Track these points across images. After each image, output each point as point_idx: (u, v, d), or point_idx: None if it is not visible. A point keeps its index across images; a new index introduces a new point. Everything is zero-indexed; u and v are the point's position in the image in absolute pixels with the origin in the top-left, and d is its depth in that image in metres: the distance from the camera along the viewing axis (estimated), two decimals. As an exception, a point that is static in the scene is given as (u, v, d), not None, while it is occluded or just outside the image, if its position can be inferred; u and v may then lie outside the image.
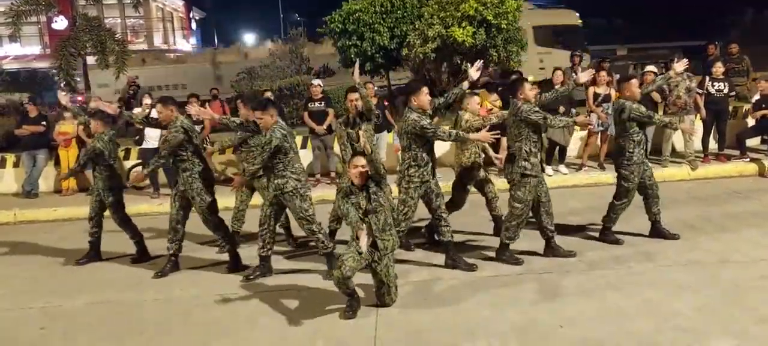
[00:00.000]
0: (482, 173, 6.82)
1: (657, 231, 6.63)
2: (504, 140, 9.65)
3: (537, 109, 5.86)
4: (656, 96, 9.67)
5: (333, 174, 10.12)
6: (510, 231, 6.09)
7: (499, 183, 7.26)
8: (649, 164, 6.65)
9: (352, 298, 5.09)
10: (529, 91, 5.93)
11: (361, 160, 5.03)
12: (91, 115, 7.10)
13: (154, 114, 9.91)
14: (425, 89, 5.84)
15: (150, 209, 9.37)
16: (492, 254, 6.32)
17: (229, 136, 7.19)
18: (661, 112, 9.99)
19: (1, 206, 9.97)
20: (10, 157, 11.18)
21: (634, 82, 6.48)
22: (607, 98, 9.93)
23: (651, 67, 10.26)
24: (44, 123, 10.71)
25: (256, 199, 7.20)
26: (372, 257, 5.01)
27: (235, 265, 6.41)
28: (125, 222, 6.95)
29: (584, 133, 10.41)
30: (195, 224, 6.74)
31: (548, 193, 6.11)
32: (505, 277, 5.80)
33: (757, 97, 10.33)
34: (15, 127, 11.14)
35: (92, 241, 7.01)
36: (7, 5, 17.25)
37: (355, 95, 6.52)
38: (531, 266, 6.01)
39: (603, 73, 10.16)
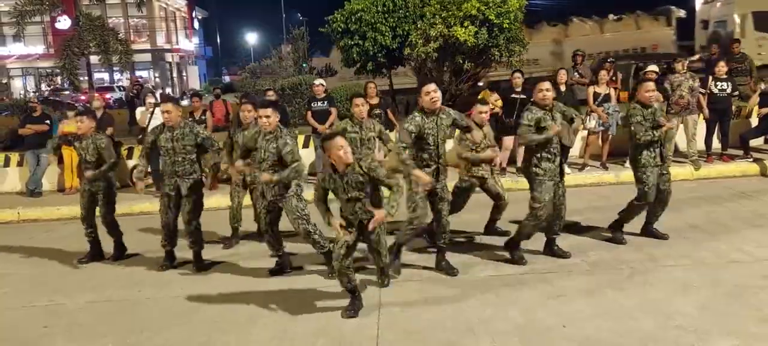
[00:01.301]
0: (489, 177, 6.73)
1: (648, 231, 6.63)
2: (506, 140, 9.70)
3: (527, 120, 5.80)
4: (660, 97, 9.65)
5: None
6: (526, 229, 5.99)
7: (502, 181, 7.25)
8: (668, 169, 6.50)
9: (354, 296, 5.08)
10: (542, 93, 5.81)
11: (340, 141, 4.77)
12: (80, 114, 6.92)
13: (157, 114, 9.98)
14: (426, 88, 5.63)
15: (152, 207, 9.37)
16: (495, 253, 6.33)
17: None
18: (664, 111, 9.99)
19: (5, 205, 10.00)
20: (14, 156, 11.21)
21: (647, 85, 6.34)
22: (606, 98, 9.94)
23: (653, 67, 10.25)
24: (48, 122, 10.74)
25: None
26: (358, 236, 4.97)
27: (201, 264, 6.50)
28: (113, 226, 6.95)
29: (585, 133, 10.42)
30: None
31: (564, 196, 6.06)
32: (507, 276, 5.80)
33: (762, 86, 10.30)
34: (19, 126, 11.17)
35: (91, 240, 6.99)
36: (11, 5, 17.33)
37: (360, 100, 6.53)
38: (533, 266, 6.01)
39: (603, 73, 10.17)
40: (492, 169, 6.79)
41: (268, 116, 5.68)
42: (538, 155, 5.82)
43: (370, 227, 4.82)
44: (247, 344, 4.77)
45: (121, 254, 7.07)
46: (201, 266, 6.49)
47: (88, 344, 4.96)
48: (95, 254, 7.02)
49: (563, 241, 6.35)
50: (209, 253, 6.83)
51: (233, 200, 7.25)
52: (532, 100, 6.00)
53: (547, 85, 5.86)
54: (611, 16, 22.67)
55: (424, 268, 6.11)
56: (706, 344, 4.32)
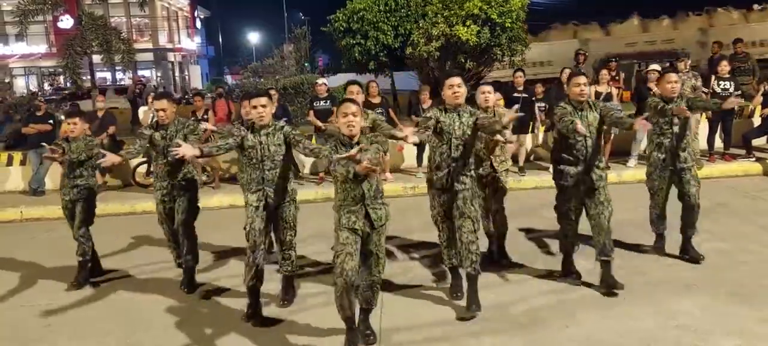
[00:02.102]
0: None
1: (683, 249, 6.02)
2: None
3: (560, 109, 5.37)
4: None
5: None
6: (561, 246, 5.66)
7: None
8: (687, 174, 5.84)
9: (352, 330, 4.37)
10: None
11: (351, 108, 4.28)
12: (68, 115, 6.37)
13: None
14: (449, 81, 5.06)
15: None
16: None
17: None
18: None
19: (8, 204, 10.03)
20: (17, 155, 11.24)
21: (670, 76, 5.89)
22: (608, 97, 9.92)
23: (655, 66, 10.25)
24: (51, 122, 10.76)
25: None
26: (364, 229, 4.32)
27: (192, 284, 5.93)
28: (87, 238, 6.23)
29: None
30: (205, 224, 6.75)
31: (601, 211, 5.37)
32: (509, 276, 5.80)
33: (766, 86, 10.31)
34: (22, 124, 11.20)
35: (90, 258, 6.29)
36: (14, 4, 17.34)
37: (356, 87, 6.38)
38: (536, 266, 6.01)
39: (604, 72, 10.18)
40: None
41: (263, 106, 4.94)
42: (560, 155, 5.45)
43: (362, 165, 3.97)
44: (249, 343, 4.78)
45: (85, 278, 6.22)
46: (192, 285, 5.89)
47: (90, 342, 4.97)
48: (99, 270, 6.50)
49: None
50: (214, 252, 6.86)
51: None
52: (567, 95, 5.52)
53: (582, 79, 5.37)
54: (756, 7, 22.89)
55: (425, 268, 6.12)
56: (708, 344, 4.32)
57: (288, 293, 5.47)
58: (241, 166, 5.36)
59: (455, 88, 4.98)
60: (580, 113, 5.30)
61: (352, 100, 4.41)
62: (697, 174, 5.96)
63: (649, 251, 6.22)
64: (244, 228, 5.03)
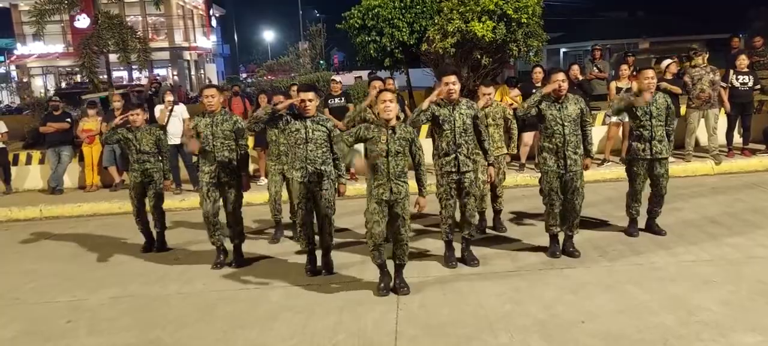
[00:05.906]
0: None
1: (647, 226, 6.72)
2: (526, 136, 9.67)
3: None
4: (677, 89, 9.56)
5: (352, 170, 10.14)
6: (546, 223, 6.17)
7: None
8: (664, 165, 6.47)
9: (383, 273, 5.42)
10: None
11: (388, 95, 5.09)
12: (132, 106, 7.28)
13: (175, 111, 10.05)
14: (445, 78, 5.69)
15: (172, 204, 9.46)
16: (513, 248, 6.32)
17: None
18: (684, 108, 9.90)
19: (28, 202, 10.15)
20: (36, 154, 11.38)
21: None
22: (629, 90, 9.84)
23: (670, 61, 10.14)
24: (69, 120, 10.88)
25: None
26: (389, 200, 5.17)
27: (241, 259, 6.56)
28: (162, 216, 7.27)
29: (605, 126, 10.38)
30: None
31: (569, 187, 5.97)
32: (526, 272, 5.78)
33: None
34: (40, 124, 11.33)
35: (145, 232, 7.28)
36: (32, 4, 17.52)
37: (378, 83, 6.78)
38: (552, 261, 5.98)
39: (624, 67, 10.09)
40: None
41: (310, 100, 5.67)
42: (541, 145, 6.30)
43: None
44: (268, 339, 4.80)
45: (162, 246, 7.30)
46: (241, 260, 6.53)
47: (111, 338, 5.02)
48: (151, 244, 7.31)
49: (583, 236, 6.32)
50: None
51: (271, 189, 7.28)
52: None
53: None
54: None
55: (443, 264, 6.11)
56: (728, 340, 4.28)
57: (327, 263, 6.05)
58: (286, 147, 6.49)
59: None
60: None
61: (389, 90, 5.21)
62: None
63: (665, 246, 6.16)
64: (294, 202, 6.07)
